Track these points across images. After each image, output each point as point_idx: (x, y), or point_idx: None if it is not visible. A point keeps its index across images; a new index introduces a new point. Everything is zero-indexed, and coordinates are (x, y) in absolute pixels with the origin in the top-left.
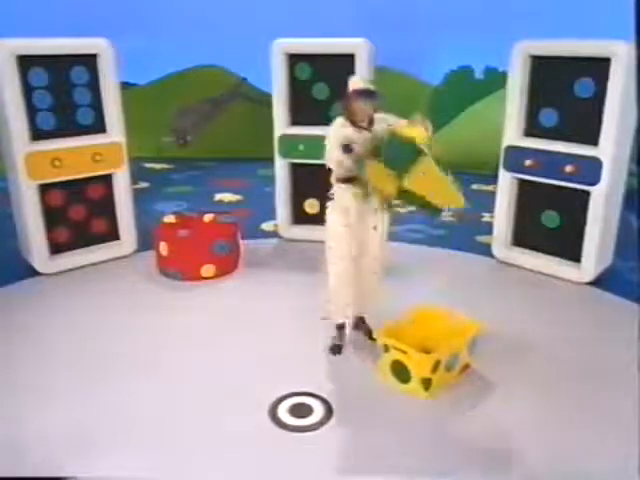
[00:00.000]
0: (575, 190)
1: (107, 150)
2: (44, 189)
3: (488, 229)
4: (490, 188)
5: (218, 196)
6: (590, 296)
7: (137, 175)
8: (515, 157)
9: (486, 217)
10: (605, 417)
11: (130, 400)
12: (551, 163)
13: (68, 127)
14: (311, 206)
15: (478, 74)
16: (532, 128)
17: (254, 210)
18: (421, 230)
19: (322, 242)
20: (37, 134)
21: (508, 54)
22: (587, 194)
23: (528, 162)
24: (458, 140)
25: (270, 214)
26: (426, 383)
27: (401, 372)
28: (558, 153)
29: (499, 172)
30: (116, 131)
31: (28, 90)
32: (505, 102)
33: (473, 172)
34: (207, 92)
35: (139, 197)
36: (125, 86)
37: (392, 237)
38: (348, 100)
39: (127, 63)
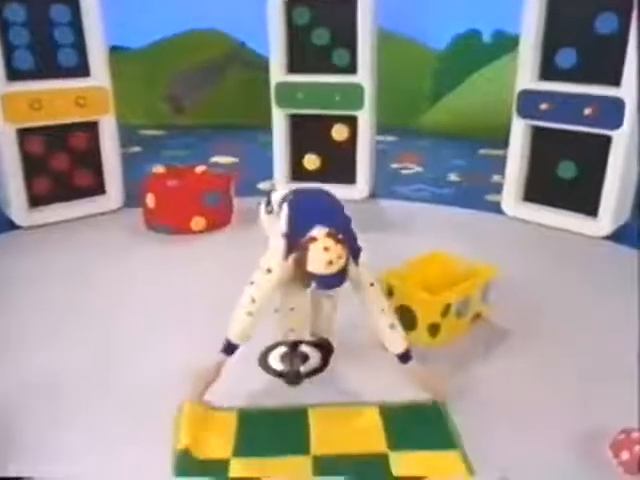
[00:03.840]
0: (594, 136)
1: (91, 94)
2: (23, 135)
3: (497, 189)
4: (498, 153)
5: (214, 158)
6: (606, 250)
7: (129, 140)
8: (530, 102)
9: (495, 178)
10: (619, 370)
11: (116, 356)
12: (568, 106)
13: (48, 68)
14: (311, 162)
15: (486, 37)
16: (548, 70)
17: (252, 171)
18: (426, 189)
19: None
20: (14, 74)
21: (518, 16)
22: (607, 140)
23: (543, 106)
24: (465, 106)
25: (268, 174)
26: (434, 329)
27: (406, 318)
28: (576, 95)
29: (512, 120)
30: (101, 75)
31: (4, 26)
32: (515, 66)
33: (481, 137)
34: (203, 57)
35: (130, 160)
36: (116, 50)
37: (396, 196)
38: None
39: (118, 26)
